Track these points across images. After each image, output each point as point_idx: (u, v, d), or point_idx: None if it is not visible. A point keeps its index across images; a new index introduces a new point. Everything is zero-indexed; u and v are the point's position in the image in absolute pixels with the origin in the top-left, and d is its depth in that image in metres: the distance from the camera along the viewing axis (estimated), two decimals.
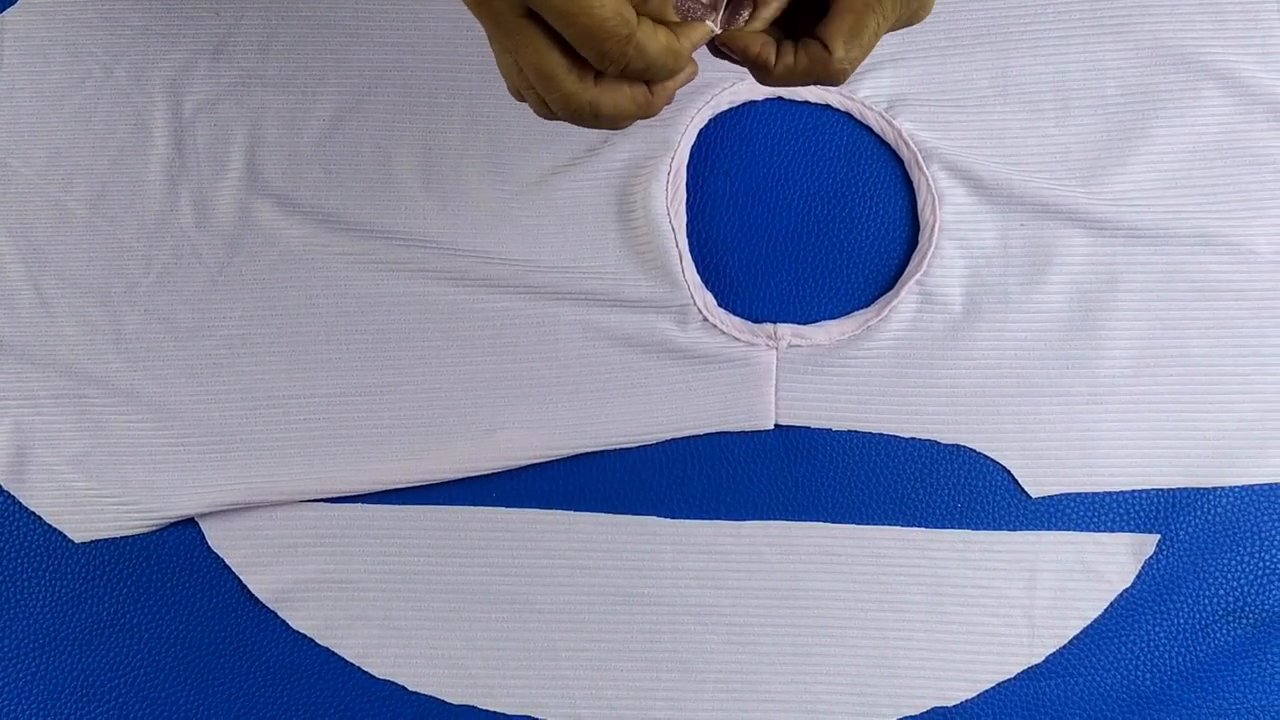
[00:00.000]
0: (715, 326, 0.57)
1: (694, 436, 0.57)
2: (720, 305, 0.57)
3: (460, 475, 0.56)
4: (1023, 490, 0.56)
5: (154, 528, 0.56)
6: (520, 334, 0.57)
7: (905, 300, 0.57)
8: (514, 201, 0.57)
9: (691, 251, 0.57)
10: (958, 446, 0.57)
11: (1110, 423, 0.56)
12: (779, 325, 0.57)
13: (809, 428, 0.57)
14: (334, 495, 0.56)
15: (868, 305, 0.58)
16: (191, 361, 0.57)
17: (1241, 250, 0.57)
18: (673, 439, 0.57)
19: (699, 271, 0.57)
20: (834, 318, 0.58)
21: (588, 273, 0.57)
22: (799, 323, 0.57)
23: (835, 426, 0.57)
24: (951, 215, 0.58)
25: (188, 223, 0.57)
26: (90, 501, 0.56)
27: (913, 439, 0.57)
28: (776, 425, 0.57)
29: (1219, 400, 0.57)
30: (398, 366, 0.57)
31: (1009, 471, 0.56)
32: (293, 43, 0.59)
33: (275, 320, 0.57)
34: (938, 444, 0.57)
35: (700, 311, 0.57)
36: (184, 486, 0.56)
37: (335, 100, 0.58)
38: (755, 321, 0.57)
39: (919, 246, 0.58)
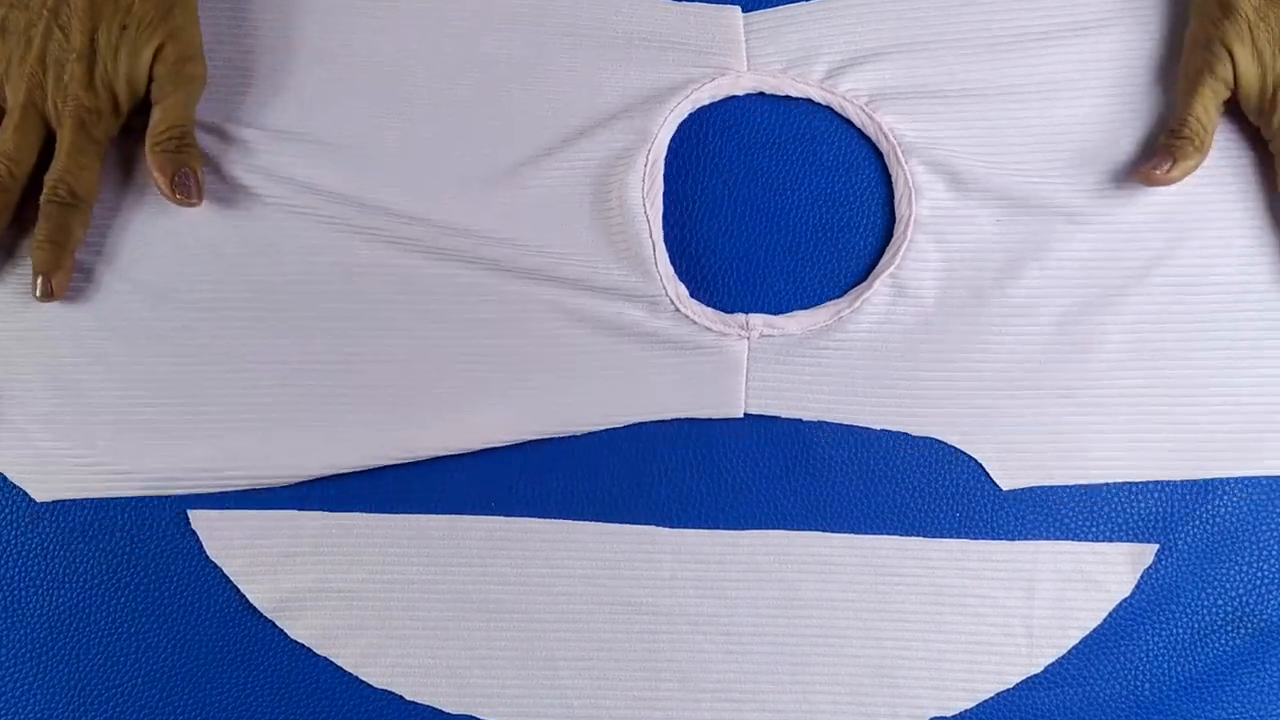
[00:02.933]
0: (687, 317, 0.57)
1: (693, 446, 0.57)
2: (694, 294, 0.58)
3: (428, 455, 0.56)
4: (994, 483, 0.56)
5: (119, 493, 0.56)
6: (491, 311, 0.57)
7: (878, 292, 0.57)
8: (489, 186, 0.58)
9: (667, 242, 0.58)
10: (959, 453, 0.57)
11: (1083, 416, 0.57)
12: (751, 315, 0.57)
13: (810, 427, 0.57)
14: (303, 474, 0.56)
15: (841, 296, 0.58)
16: (161, 324, 0.57)
17: (1218, 244, 0.57)
18: (672, 448, 0.57)
19: (673, 262, 0.58)
20: (807, 308, 0.58)
21: (562, 257, 0.57)
22: (773, 313, 0.58)
23: (805, 417, 0.57)
24: (928, 210, 0.58)
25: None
26: (56, 460, 0.56)
27: (912, 443, 0.57)
28: (747, 415, 0.57)
29: (1193, 395, 0.57)
30: (367, 336, 0.57)
31: (980, 464, 0.56)
32: (274, 23, 0.59)
33: (246, 284, 0.57)
34: (939, 451, 0.57)
35: (672, 303, 0.57)
36: (151, 449, 0.56)
37: (318, 79, 0.59)
38: (728, 311, 0.57)
39: (893, 239, 0.58)
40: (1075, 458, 0.56)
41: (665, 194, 0.58)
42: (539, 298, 0.57)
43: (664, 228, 0.58)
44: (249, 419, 0.56)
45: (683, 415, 0.57)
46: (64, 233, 0.54)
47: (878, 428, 0.57)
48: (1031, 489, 0.57)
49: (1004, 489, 0.56)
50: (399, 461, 0.56)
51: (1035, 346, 0.57)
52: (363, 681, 0.55)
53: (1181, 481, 0.57)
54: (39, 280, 0.55)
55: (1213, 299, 0.57)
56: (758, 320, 0.57)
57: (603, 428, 0.57)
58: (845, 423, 0.57)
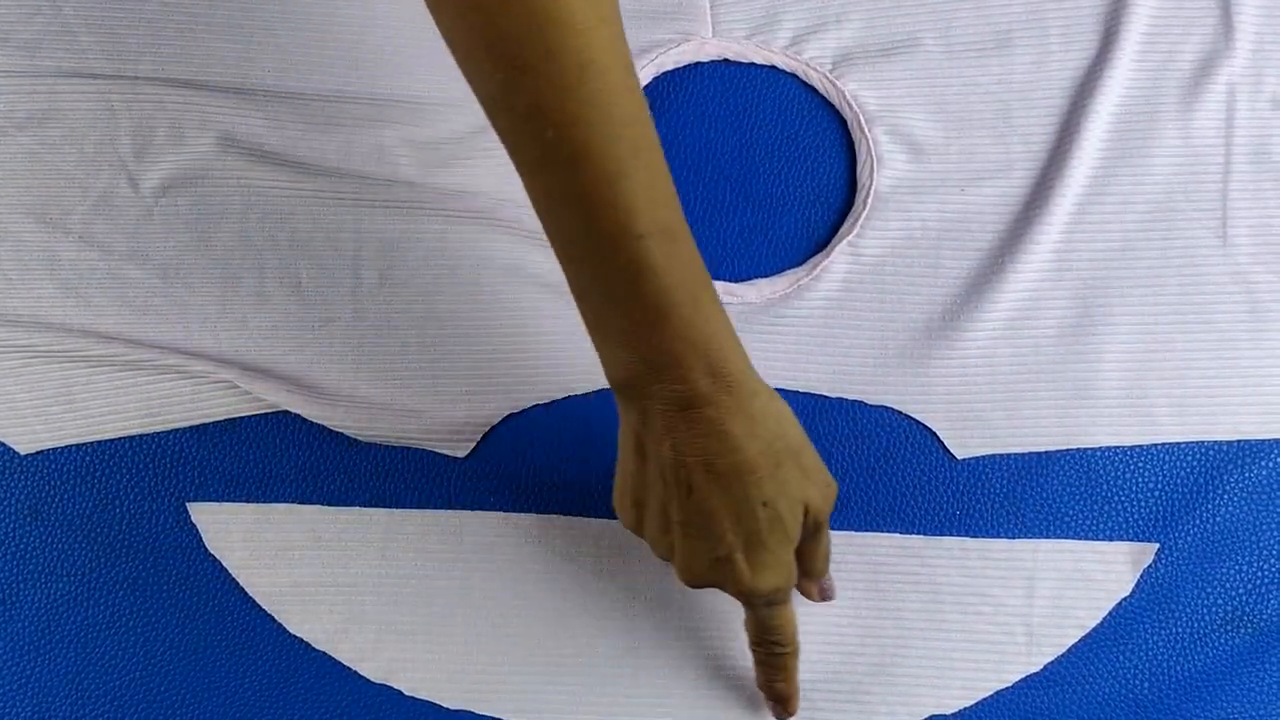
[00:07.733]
0: None
1: None
2: None
3: (381, 419, 0.57)
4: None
5: (100, 435, 0.57)
6: (450, 278, 0.57)
7: (837, 260, 0.58)
8: (453, 147, 0.58)
9: None
10: (960, 460, 0.57)
11: (1036, 384, 0.57)
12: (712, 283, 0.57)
13: (811, 424, 0.57)
14: (273, 407, 0.57)
15: (801, 265, 0.58)
16: (124, 290, 0.58)
17: (1164, 207, 0.58)
18: None
19: None
20: (767, 276, 0.58)
21: (521, 216, 0.57)
22: (733, 280, 0.58)
23: None
24: (888, 179, 0.58)
25: (126, 152, 0.58)
26: (33, 411, 0.57)
27: (912, 440, 0.57)
28: None
29: (1141, 359, 0.57)
30: (328, 302, 0.58)
31: (935, 433, 0.57)
32: None
33: (209, 251, 0.58)
34: (939, 449, 0.57)
35: None
36: (127, 387, 0.57)
37: (294, 41, 0.59)
38: None
39: (854, 208, 0.58)
40: (1027, 425, 0.57)
41: None
42: (501, 261, 0.58)
43: None
44: (221, 352, 0.57)
45: None
46: (791, 674, 0.52)
47: (834, 396, 0.57)
48: (1032, 487, 0.57)
49: (959, 458, 0.56)
50: (351, 426, 0.56)
51: (989, 315, 0.57)
52: (361, 676, 0.55)
53: (1181, 480, 0.57)
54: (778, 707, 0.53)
55: (1161, 263, 0.57)
56: (717, 287, 0.57)
57: (561, 395, 0.57)
58: (801, 391, 0.57)
